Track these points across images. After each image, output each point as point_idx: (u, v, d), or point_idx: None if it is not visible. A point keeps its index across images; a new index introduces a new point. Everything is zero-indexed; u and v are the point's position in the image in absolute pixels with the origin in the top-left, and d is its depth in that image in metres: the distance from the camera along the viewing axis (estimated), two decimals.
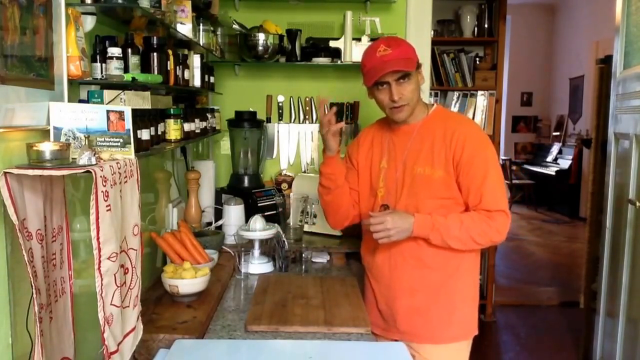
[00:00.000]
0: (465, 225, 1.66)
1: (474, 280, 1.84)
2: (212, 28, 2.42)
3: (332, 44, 2.74)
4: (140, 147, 1.41)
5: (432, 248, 1.71)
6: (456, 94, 4.14)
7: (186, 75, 1.94)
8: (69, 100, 1.23)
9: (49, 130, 1.16)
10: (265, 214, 2.37)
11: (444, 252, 1.71)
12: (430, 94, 3.67)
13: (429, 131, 1.75)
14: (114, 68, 1.38)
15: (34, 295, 1.02)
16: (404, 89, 1.69)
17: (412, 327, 1.77)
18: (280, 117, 2.98)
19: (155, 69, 1.61)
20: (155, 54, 1.61)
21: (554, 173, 7.50)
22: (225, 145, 2.94)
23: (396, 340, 1.75)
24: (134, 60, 1.48)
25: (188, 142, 2.04)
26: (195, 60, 2.14)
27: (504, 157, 7.66)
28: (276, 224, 2.21)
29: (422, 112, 1.80)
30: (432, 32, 3.63)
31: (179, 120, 1.78)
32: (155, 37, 1.62)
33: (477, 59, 4.25)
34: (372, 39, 2.72)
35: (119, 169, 1.16)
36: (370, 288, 1.88)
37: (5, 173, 0.99)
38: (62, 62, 1.21)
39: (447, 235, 1.66)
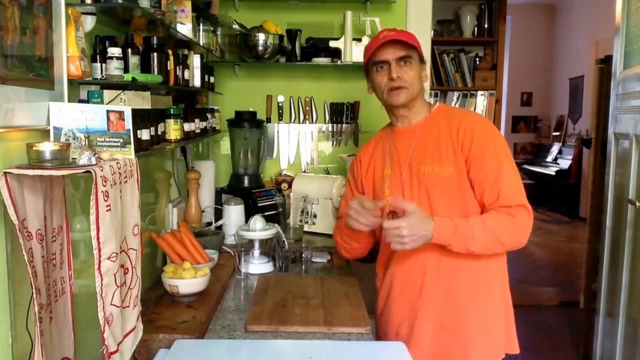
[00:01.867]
0: (489, 226, 1.50)
1: (505, 291, 1.67)
2: (212, 28, 2.43)
3: (332, 44, 2.75)
4: (140, 147, 1.41)
5: (453, 258, 1.56)
6: (456, 94, 4.15)
7: (186, 75, 1.94)
8: (69, 100, 1.23)
9: (49, 130, 1.16)
10: (265, 214, 2.37)
11: (467, 263, 1.57)
12: (430, 94, 3.67)
13: (433, 128, 1.65)
14: (114, 68, 1.38)
15: (34, 295, 1.02)
16: (404, 72, 1.62)
17: (442, 348, 1.60)
18: (280, 117, 2.98)
19: (155, 69, 1.61)
20: (155, 54, 1.61)
21: (554, 173, 7.50)
22: (225, 145, 2.94)
23: None
24: (134, 60, 1.48)
25: (188, 142, 2.04)
26: (195, 60, 2.14)
27: None
28: (276, 224, 2.21)
29: (423, 110, 1.71)
30: (432, 32, 3.63)
31: (179, 120, 1.78)
32: (155, 37, 1.62)
33: (477, 59, 4.26)
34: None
35: (119, 169, 1.16)
36: (387, 311, 1.72)
37: (5, 173, 0.99)
38: (62, 62, 1.21)
39: (471, 240, 1.49)
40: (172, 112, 1.77)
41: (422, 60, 1.69)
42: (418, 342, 1.62)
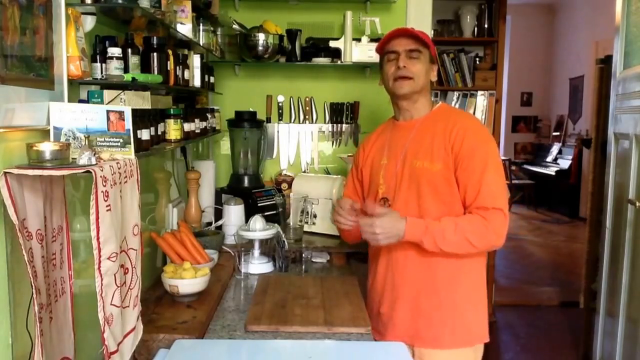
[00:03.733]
0: (460, 227, 1.59)
1: (480, 284, 1.76)
2: (212, 28, 2.42)
3: (332, 44, 2.75)
4: (140, 147, 1.41)
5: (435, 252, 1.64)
6: (456, 94, 4.15)
7: (186, 75, 1.94)
8: (69, 100, 1.23)
9: (49, 130, 1.16)
10: (265, 214, 2.37)
11: (447, 257, 1.65)
12: (431, 94, 3.67)
13: (431, 126, 1.73)
14: (114, 68, 1.38)
15: (34, 295, 1.02)
16: (412, 64, 1.70)
17: (416, 330, 1.71)
18: (280, 117, 2.98)
19: (155, 69, 1.61)
20: (155, 54, 1.61)
21: (553, 173, 7.50)
22: (225, 145, 2.94)
23: None
24: (134, 60, 1.48)
25: (188, 142, 2.04)
26: (195, 60, 2.14)
27: (503, 157, 7.65)
28: (276, 224, 2.21)
29: (426, 107, 1.78)
30: (432, 32, 3.63)
31: (179, 120, 1.78)
32: (155, 37, 1.62)
33: (477, 59, 4.25)
34: (372, 39, 2.73)
35: (119, 169, 1.16)
36: (373, 289, 1.84)
37: (5, 173, 0.99)
38: (62, 62, 1.21)
39: (440, 239, 1.58)
40: (172, 112, 1.77)
41: (432, 61, 1.76)
42: (396, 322, 1.74)
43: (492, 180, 1.62)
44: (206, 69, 2.32)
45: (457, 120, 1.70)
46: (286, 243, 2.16)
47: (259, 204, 2.52)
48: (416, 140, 1.73)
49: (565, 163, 7.46)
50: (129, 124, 1.21)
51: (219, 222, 2.39)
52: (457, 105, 4.14)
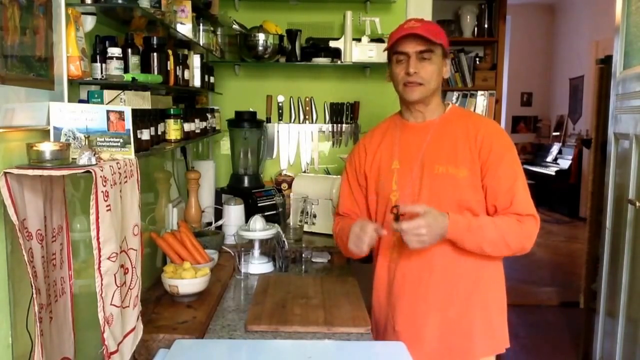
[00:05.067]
0: (499, 227, 1.53)
1: (502, 289, 1.70)
2: (212, 28, 2.43)
3: (332, 44, 2.75)
4: (140, 147, 1.41)
5: (458, 255, 1.58)
6: (456, 94, 4.15)
7: (186, 75, 1.94)
8: (69, 100, 1.23)
9: (49, 130, 1.16)
10: (265, 214, 2.37)
11: (472, 259, 1.59)
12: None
13: (449, 129, 1.63)
14: (114, 68, 1.38)
15: (34, 295, 1.02)
16: (423, 67, 1.58)
17: (444, 344, 1.61)
18: (280, 117, 2.98)
19: (155, 69, 1.61)
20: (155, 54, 1.61)
21: (553, 173, 7.50)
22: (225, 145, 2.94)
23: None
24: (134, 60, 1.48)
25: (188, 142, 2.04)
26: (195, 60, 2.14)
27: None
28: (276, 224, 2.21)
29: (438, 109, 1.68)
30: None
31: (179, 120, 1.78)
32: (155, 37, 1.62)
33: (477, 59, 4.26)
34: (372, 39, 2.73)
35: (119, 169, 1.16)
36: (384, 307, 1.71)
37: (5, 173, 0.99)
38: (62, 62, 1.21)
39: (481, 238, 1.52)
40: (172, 112, 1.77)
41: (445, 55, 1.64)
42: (422, 338, 1.62)
43: (522, 188, 1.59)
44: (206, 69, 2.32)
45: (480, 125, 1.63)
46: (286, 243, 2.16)
47: (259, 204, 2.52)
48: (434, 143, 1.63)
49: (565, 163, 7.45)
50: (129, 124, 1.21)
51: (219, 222, 2.39)
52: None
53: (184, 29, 1.92)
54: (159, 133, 1.66)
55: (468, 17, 4.25)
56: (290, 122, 2.99)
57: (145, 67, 1.58)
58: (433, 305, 1.62)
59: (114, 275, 1.12)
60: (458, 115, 1.69)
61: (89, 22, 1.36)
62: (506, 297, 1.71)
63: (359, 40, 2.74)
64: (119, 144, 1.21)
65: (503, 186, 1.57)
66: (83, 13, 1.32)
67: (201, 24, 2.28)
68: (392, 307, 1.68)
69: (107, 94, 1.33)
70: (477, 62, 4.20)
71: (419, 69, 1.58)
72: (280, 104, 2.98)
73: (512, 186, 1.57)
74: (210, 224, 2.46)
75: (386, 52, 1.69)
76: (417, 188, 1.61)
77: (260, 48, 2.68)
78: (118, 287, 1.13)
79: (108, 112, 1.20)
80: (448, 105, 1.72)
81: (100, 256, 1.08)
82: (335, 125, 2.99)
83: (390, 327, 1.69)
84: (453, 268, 1.61)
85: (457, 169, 1.58)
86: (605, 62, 3.18)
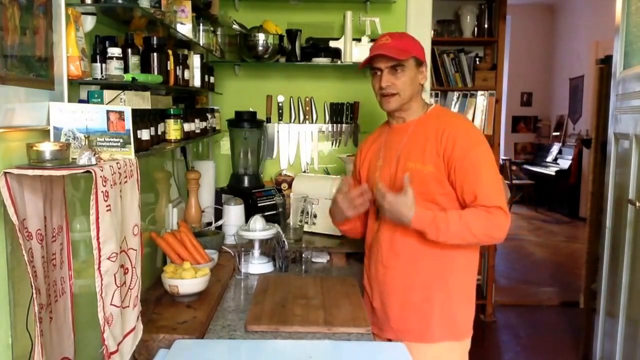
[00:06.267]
0: (464, 219, 1.64)
1: (470, 280, 1.81)
2: (212, 28, 2.42)
3: (332, 44, 2.74)
4: (140, 147, 1.41)
5: (422, 244, 1.70)
6: (456, 94, 4.14)
7: (186, 75, 1.94)
8: (69, 100, 1.23)
9: (49, 130, 1.16)
10: (265, 214, 2.37)
11: (438, 249, 1.70)
12: (431, 94, 3.67)
13: (424, 128, 1.76)
14: (114, 68, 1.38)
15: (34, 295, 1.02)
16: (395, 79, 1.72)
17: (404, 325, 1.75)
18: (280, 117, 2.98)
19: (155, 69, 1.61)
20: (155, 54, 1.61)
21: (553, 173, 7.51)
22: (225, 145, 2.94)
23: (390, 340, 1.76)
24: (134, 60, 1.48)
25: (188, 142, 2.04)
26: (195, 60, 2.14)
27: (503, 157, 7.66)
28: (276, 224, 2.21)
29: (419, 110, 1.81)
30: (432, 32, 3.63)
31: (179, 120, 1.78)
32: (155, 37, 1.62)
33: (477, 59, 4.25)
34: (372, 39, 2.73)
35: (119, 169, 1.16)
36: (366, 285, 1.88)
37: (5, 173, 0.99)
38: (62, 62, 1.21)
39: (445, 230, 1.63)
40: (172, 112, 1.77)
41: (419, 64, 1.77)
42: (388, 317, 1.78)
43: (487, 181, 1.67)
44: (206, 69, 2.32)
45: (448, 123, 1.74)
46: (286, 243, 2.16)
47: (259, 204, 2.52)
48: (409, 142, 1.77)
49: (565, 163, 7.46)
50: (129, 124, 1.21)
51: (219, 222, 2.39)
52: (457, 105, 4.14)
53: (184, 29, 1.92)
54: (159, 133, 1.66)
55: (468, 17, 4.24)
56: (290, 122, 2.99)
57: (145, 67, 1.58)
58: (397, 287, 1.77)
59: (114, 275, 1.12)
60: (436, 115, 1.81)
61: (89, 22, 1.36)
62: (475, 289, 1.82)
63: (359, 40, 2.74)
64: (119, 144, 1.21)
65: (468, 180, 1.66)
66: (83, 13, 1.32)
67: (201, 24, 2.28)
68: (371, 285, 1.85)
69: (107, 94, 1.33)
70: (477, 62, 4.19)
71: (392, 81, 1.73)
72: (280, 104, 2.98)
73: (475, 180, 1.66)
74: (210, 224, 2.46)
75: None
76: (392, 182, 1.77)
77: (260, 48, 2.67)
78: (118, 287, 1.13)
79: (108, 112, 1.20)
80: (431, 106, 1.84)
81: (100, 256, 1.08)
82: (335, 125, 2.99)
83: (368, 304, 1.84)
84: (416, 255, 1.73)
85: (423, 164, 1.71)
86: (605, 62, 3.18)
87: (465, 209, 1.67)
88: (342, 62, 2.74)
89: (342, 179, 1.91)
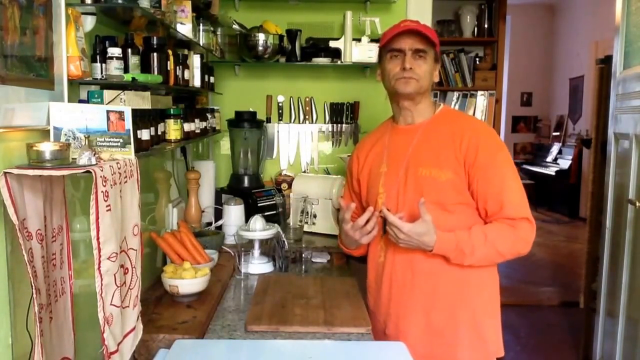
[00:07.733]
0: (490, 239, 1.51)
1: (495, 292, 1.68)
2: (212, 28, 2.42)
3: (332, 44, 2.74)
4: (140, 147, 1.41)
5: (442, 260, 1.56)
6: (456, 94, 4.15)
7: (186, 75, 1.94)
8: (69, 100, 1.23)
9: (49, 130, 1.16)
10: (265, 214, 2.37)
11: (455, 265, 1.56)
12: (432, 95, 3.67)
13: (435, 131, 1.62)
14: (114, 68, 1.38)
15: (34, 295, 1.02)
16: (418, 64, 1.59)
17: (427, 350, 1.58)
18: (280, 117, 2.98)
19: (155, 69, 1.61)
20: (155, 54, 1.61)
21: (553, 173, 7.51)
22: (225, 145, 2.94)
23: None
24: (134, 60, 1.48)
25: (188, 142, 2.04)
26: (195, 60, 2.14)
27: None
28: (276, 224, 2.21)
29: (428, 110, 1.68)
30: None
31: (179, 120, 1.78)
32: (155, 37, 1.62)
33: (477, 59, 4.26)
34: (372, 40, 2.73)
35: (119, 169, 1.16)
36: (374, 309, 1.73)
37: (5, 173, 0.99)
38: (62, 62, 1.21)
39: (470, 255, 1.51)
40: (172, 112, 1.77)
41: (436, 60, 1.66)
42: (407, 343, 1.58)
43: (513, 190, 1.55)
44: (206, 69, 2.32)
45: (466, 126, 1.61)
46: (286, 243, 2.16)
47: (259, 204, 2.52)
48: (420, 146, 1.62)
49: (565, 163, 7.46)
50: (129, 124, 1.21)
51: (219, 222, 2.39)
52: (457, 105, 4.14)
53: (184, 29, 1.92)
54: (159, 133, 1.66)
55: (468, 17, 4.25)
56: (290, 122, 2.99)
57: (145, 67, 1.58)
58: (416, 310, 1.61)
59: (114, 275, 1.12)
60: (447, 117, 1.67)
61: (89, 22, 1.36)
62: (499, 302, 1.68)
63: (358, 40, 2.74)
64: (119, 144, 1.21)
65: (492, 190, 1.54)
66: (83, 13, 1.32)
67: (201, 24, 2.28)
68: (382, 310, 1.69)
69: (107, 94, 1.33)
70: (477, 62, 4.20)
71: (414, 66, 1.59)
72: (280, 104, 2.98)
73: (501, 189, 1.54)
74: (210, 224, 2.46)
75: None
76: (401, 190, 1.62)
77: (260, 48, 2.67)
78: (118, 287, 1.13)
79: (108, 112, 1.20)
80: (439, 107, 1.70)
81: (100, 256, 1.08)
82: (335, 125, 2.99)
83: (381, 330, 1.69)
84: (437, 272, 1.59)
85: (440, 171, 1.57)
86: (605, 62, 3.18)
87: (489, 225, 1.55)
88: (342, 62, 2.74)
89: (339, 201, 1.71)
